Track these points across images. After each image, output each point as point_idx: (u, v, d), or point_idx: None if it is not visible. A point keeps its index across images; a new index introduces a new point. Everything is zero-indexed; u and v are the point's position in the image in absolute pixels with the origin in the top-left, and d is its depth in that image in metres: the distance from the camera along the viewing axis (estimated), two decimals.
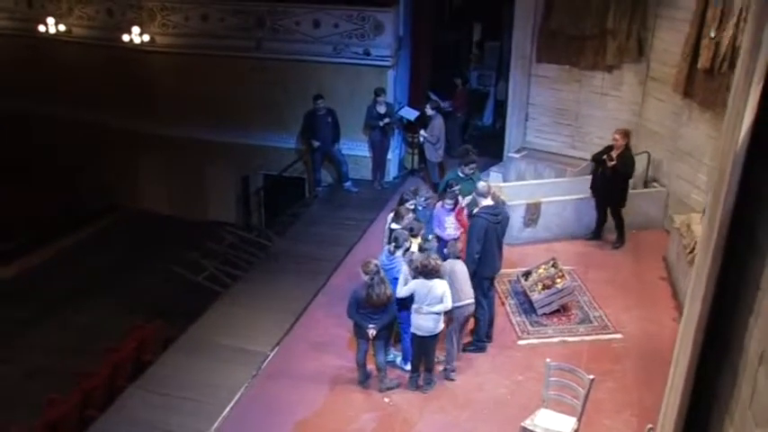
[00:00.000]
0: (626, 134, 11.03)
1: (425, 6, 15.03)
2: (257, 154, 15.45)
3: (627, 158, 10.93)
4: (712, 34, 9.85)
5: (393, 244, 8.48)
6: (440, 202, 9.91)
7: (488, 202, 8.93)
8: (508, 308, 10.08)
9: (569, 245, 11.69)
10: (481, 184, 9.13)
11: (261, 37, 14.66)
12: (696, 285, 4.35)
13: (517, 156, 13.78)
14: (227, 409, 8.25)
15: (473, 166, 10.42)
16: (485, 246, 8.68)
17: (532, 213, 11.62)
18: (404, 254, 8.49)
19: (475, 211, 9.03)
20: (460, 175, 10.31)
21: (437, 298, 7.89)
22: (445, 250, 8.70)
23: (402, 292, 8.02)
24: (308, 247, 12.22)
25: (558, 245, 11.65)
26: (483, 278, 8.81)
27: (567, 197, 11.76)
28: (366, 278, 7.83)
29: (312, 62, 14.54)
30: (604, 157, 10.91)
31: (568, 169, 12.85)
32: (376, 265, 7.89)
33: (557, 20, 12.91)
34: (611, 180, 10.95)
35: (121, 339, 10.40)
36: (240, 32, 14.81)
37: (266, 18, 14.61)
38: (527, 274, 10.26)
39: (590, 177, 11.48)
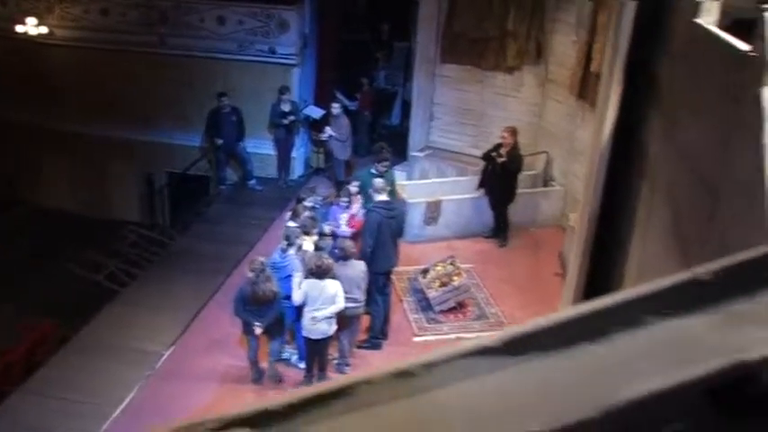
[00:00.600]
0: (514, 132, 11.31)
1: (331, 5, 15.03)
2: (162, 151, 15.18)
3: (515, 156, 11.21)
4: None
5: (285, 242, 8.48)
6: (339, 200, 9.97)
7: (383, 197, 9.01)
8: (406, 305, 10.19)
9: (469, 243, 11.87)
10: (376, 181, 9.21)
11: (164, 33, 14.41)
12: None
13: (421, 155, 13.93)
14: (118, 410, 8.10)
15: (386, 163, 10.49)
16: (379, 241, 8.75)
17: (433, 211, 11.76)
18: (297, 251, 8.50)
19: (370, 206, 9.12)
20: (374, 172, 10.37)
21: (330, 298, 7.91)
22: (336, 250, 8.75)
23: (297, 296, 8.02)
24: (210, 246, 12.08)
25: (458, 243, 11.81)
26: (378, 274, 8.87)
27: (467, 195, 11.94)
28: (251, 275, 7.83)
29: (217, 59, 14.35)
30: (494, 154, 11.17)
31: (470, 168, 13.06)
32: (262, 263, 7.88)
33: (459, 22, 13.10)
34: (501, 177, 11.19)
35: (16, 341, 10.12)
36: (143, 28, 14.49)
37: (169, 14, 14.36)
38: (425, 272, 10.38)
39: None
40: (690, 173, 4.12)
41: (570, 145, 11.91)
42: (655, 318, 0.85)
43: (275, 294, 7.89)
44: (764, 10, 3.17)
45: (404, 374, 0.70)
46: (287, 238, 8.50)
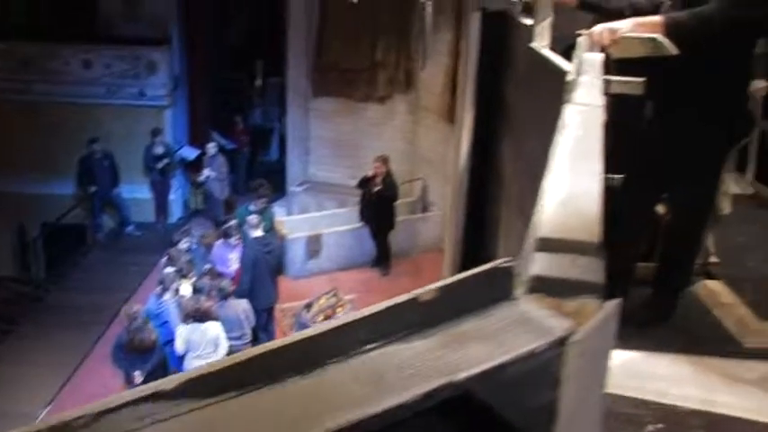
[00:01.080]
0: (385, 160, 11.52)
1: (202, 44, 14.95)
2: (33, 202, 14.62)
3: (390, 183, 11.41)
4: None
5: (160, 287, 8.33)
6: (220, 240, 9.85)
7: (258, 233, 8.99)
8: None
9: (353, 273, 11.92)
10: (250, 217, 9.20)
11: (28, 79, 13.96)
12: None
13: (300, 189, 13.95)
14: None
15: (264, 200, 10.47)
16: (257, 277, 8.72)
17: (314, 245, 11.78)
18: (174, 296, 8.35)
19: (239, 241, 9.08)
20: (251, 209, 10.31)
21: (211, 342, 7.79)
22: (214, 291, 8.64)
23: (177, 344, 7.86)
24: (88, 297, 11.69)
25: (341, 274, 11.84)
26: (258, 311, 8.82)
27: (347, 227, 12.02)
28: (127, 324, 7.66)
29: (86, 104, 14.01)
30: (369, 183, 11.37)
31: (349, 199, 13.16)
32: (137, 311, 7.72)
33: (328, 54, 13.26)
34: (378, 206, 11.34)
35: None
36: (5, 73, 14.01)
37: (33, 59, 13.94)
38: (309, 306, 10.35)
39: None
40: (536, 189, 4.29)
41: (445, 169, 12.15)
42: (371, 343, 0.88)
43: (154, 342, 7.72)
44: (579, 35, 3.38)
45: (63, 428, 0.70)
46: (161, 283, 8.35)
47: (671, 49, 3.31)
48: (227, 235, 9.68)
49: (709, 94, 3.73)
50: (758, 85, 4.42)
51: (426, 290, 0.89)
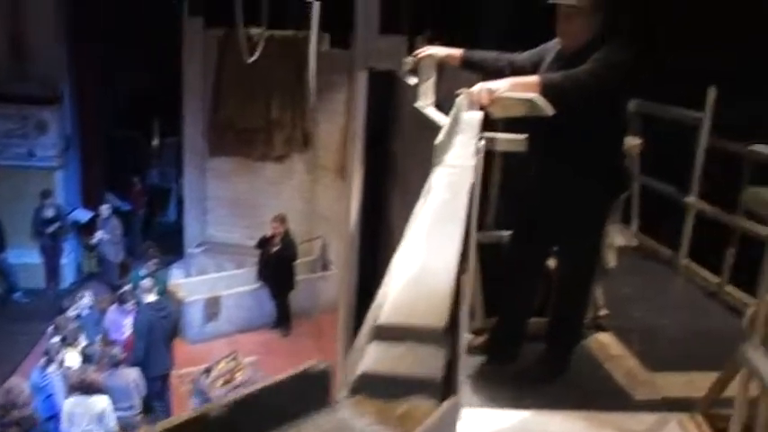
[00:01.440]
0: (283, 220, 11.45)
1: (94, 103, 14.58)
2: None
3: (288, 243, 11.32)
4: None
5: (44, 359, 7.90)
6: (114, 305, 9.50)
7: (152, 297, 8.71)
8: (191, 409, 9.75)
9: (253, 335, 11.67)
10: (143, 282, 8.91)
11: None
12: None
13: (198, 251, 13.65)
14: None
15: (155, 262, 10.18)
16: (151, 344, 8.41)
17: (212, 308, 11.48)
18: (59, 368, 7.92)
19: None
20: (143, 273, 10.01)
21: (96, 417, 7.37)
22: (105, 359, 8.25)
23: (63, 421, 7.41)
24: None
25: (241, 337, 11.57)
26: (153, 378, 8.47)
27: (246, 288, 11.80)
28: (8, 400, 7.18)
29: None
30: (267, 243, 11.24)
31: (249, 260, 12.95)
32: (18, 385, 7.26)
33: (225, 113, 13.15)
34: (277, 266, 11.20)
35: None
36: None
37: None
38: (208, 371, 10.03)
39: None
40: None
41: (343, 227, 12.11)
42: None
43: (34, 420, 7.26)
44: (458, 94, 3.39)
45: None
46: (46, 353, 7.92)
47: (547, 109, 3.35)
48: (121, 300, 9.34)
49: (587, 151, 3.81)
50: (633, 141, 4.56)
51: (218, 404, 0.78)
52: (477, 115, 3.21)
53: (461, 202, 1.62)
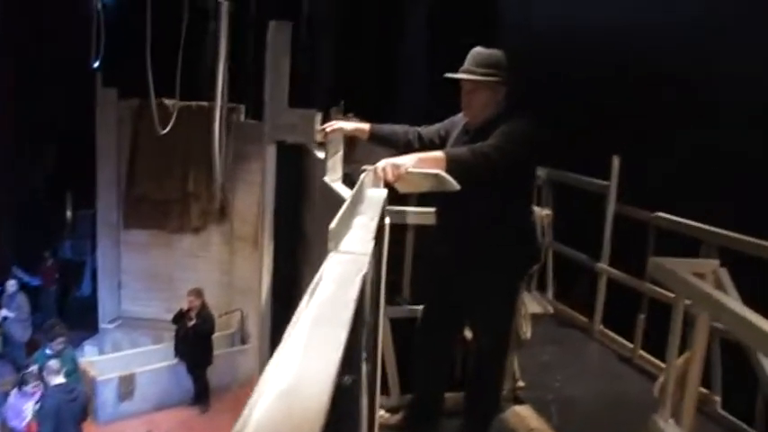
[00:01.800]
0: (199, 293, 11.19)
1: (1, 176, 14.12)
2: None
3: (205, 316, 11.05)
4: None
5: None
6: (15, 388, 9.01)
7: (60, 380, 8.31)
8: None
9: (170, 413, 11.23)
10: (50, 363, 8.50)
11: None
12: None
13: (112, 326, 13.20)
14: None
15: (61, 340, 9.72)
16: (58, 428, 7.99)
17: (127, 386, 11.04)
18: None
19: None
20: (48, 352, 9.53)
21: None
22: None
23: None
24: None
25: (159, 415, 11.13)
26: None
27: (163, 364, 11.41)
28: None
29: None
30: (183, 318, 10.95)
31: (165, 335, 12.57)
32: None
33: (140, 185, 12.90)
34: (194, 340, 10.90)
35: None
36: None
37: None
38: None
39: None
40: None
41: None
42: None
43: None
44: (363, 171, 3.35)
45: None
46: None
47: (453, 184, 3.35)
48: (22, 382, 8.87)
49: (497, 221, 3.82)
50: (543, 212, 4.61)
51: None
52: (382, 193, 3.17)
53: (350, 298, 1.54)
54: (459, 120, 4.12)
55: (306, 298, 1.51)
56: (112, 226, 13.29)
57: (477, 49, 3.90)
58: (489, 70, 3.82)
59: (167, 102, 11.35)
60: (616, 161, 5.86)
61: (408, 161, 3.37)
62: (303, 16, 12.21)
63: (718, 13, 6.26)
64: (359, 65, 11.66)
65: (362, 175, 3.54)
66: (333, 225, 2.03)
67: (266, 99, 6.29)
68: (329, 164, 4.30)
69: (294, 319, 1.42)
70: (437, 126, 4.24)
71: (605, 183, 6.01)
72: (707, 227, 4.94)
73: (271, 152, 5.79)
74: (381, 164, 3.34)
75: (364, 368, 2.10)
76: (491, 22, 10.08)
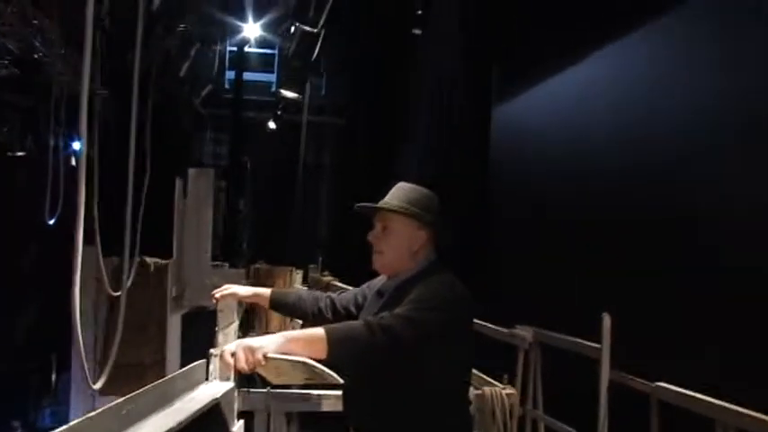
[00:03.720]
0: None
1: None
2: None
3: None
4: None
5: None
6: None
7: None
8: None
9: None
10: None
11: None
12: None
13: None
14: None
15: None
16: None
17: None
18: None
19: None
20: None
21: None
22: None
23: None
24: None
25: None
26: None
27: None
28: None
29: None
30: None
31: None
32: None
33: (116, 347, 11.98)
34: None
35: None
36: None
37: None
38: None
39: None
40: None
41: None
42: None
43: None
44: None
45: None
46: None
47: (332, 377, 2.40)
48: None
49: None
50: (505, 391, 3.63)
51: None
52: (217, 390, 2.22)
53: None
54: (379, 281, 3.21)
55: None
56: (87, 392, 12.27)
57: (400, 184, 3.04)
58: (409, 205, 2.93)
59: (149, 260, 10.60)
60: (606, 319, 4.83)
61: (269, 343, 2.42)
62: None
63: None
64: None
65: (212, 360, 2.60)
66: None
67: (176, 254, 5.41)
68: (219, 338, 3.37)
69: None
70: (355, 291, 3.35)
71: (596, 346, 4.95)
72: (720, 402, 3.90)
73: (175, 324, 4.82)
74: (232, 346, 2.40)
75: None
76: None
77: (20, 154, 11.94)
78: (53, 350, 15.63)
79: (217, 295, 3.39)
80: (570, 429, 5.24)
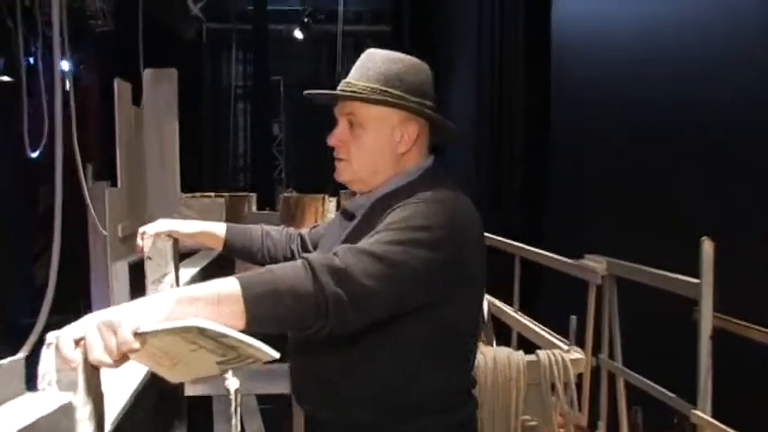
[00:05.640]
0: None
1: None
2: None
3: None
4: None
5: None
6: None
7: None
8: None
9: None
10: None
11: None
12: None
13: None
14: None
15: None
16: None
17: None
18: None
19: None
20: None
21: None
22: None
23: None
24: None
25: None
26: None
27: None
28: None
29: None
30: None
31: None
32: None
33: None
34: None
35: None
36: None
37: None
38: None
39: None
40: None
41: None
42: None
43: None
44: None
45: None
46: None
47: (262, 351, 1.26)
48: None
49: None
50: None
51: None
52: (52, 406, 1.12)
53: None
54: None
55: None
56: None
57: (370, 51, 1.85)
58: (386, 86, 1.76)
59: None
60: (708, 246, 3.61)
61: (144, 312, 1.24)
62: None
63: None
64: None
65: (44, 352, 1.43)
66: None
67: (121, 182, 4.12)
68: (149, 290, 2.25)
69: None
70: (327, 222, 2.31)
71: (694, 281, 3.72)
72: None
73: (122, 274, 3.68)
74: (79, 329, 1.22)
75: None
76: None
77: None
78: None
79: (142, 235, 2.24)
80: (660, 388, 4.02)
